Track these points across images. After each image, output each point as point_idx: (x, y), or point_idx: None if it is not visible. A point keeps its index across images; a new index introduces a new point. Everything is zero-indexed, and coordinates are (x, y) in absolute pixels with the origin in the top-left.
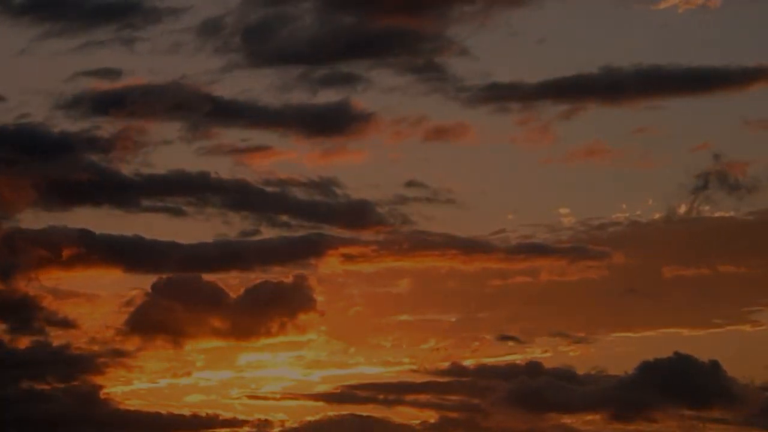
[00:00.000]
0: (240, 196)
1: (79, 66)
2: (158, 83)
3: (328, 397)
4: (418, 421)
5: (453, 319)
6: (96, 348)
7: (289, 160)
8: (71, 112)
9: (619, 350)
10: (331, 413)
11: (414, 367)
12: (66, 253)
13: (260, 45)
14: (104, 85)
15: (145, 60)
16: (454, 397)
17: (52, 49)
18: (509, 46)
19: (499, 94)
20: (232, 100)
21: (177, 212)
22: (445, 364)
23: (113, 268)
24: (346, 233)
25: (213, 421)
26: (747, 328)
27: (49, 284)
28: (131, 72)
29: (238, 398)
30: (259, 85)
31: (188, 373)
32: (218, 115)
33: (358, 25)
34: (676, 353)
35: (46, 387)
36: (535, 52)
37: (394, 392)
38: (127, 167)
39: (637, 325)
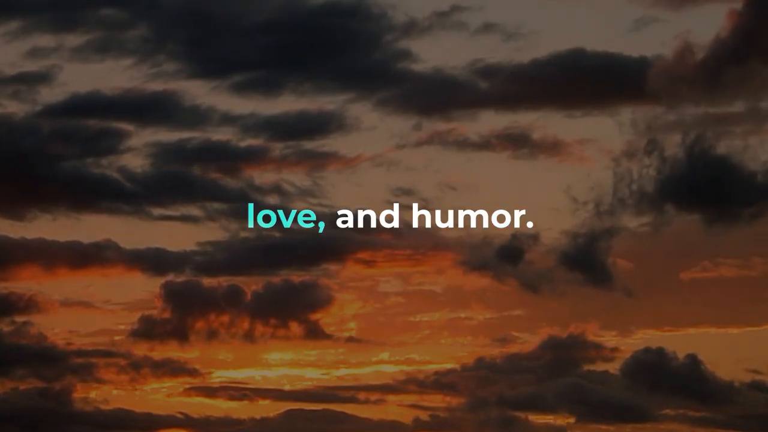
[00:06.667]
0: (239, 202)
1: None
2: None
3: (328, 397)
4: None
5: (481, 318)
6: (98, 349)
7: (272, 166)
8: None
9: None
10: (320, 409)
11: (433, 367)
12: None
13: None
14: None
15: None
16: (454, 396)
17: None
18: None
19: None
20: (194, 106)
21: (187, 218)
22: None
23: (120, 271)
24: (357, 237)
25: (207, 420)
26: None
27: (57, 286)
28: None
29: (238, 399)
30: (214, 92)
31: (196, 374)
32: (186, 121)
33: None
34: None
35: (49, 386)
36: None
37: (392, 391)
38: (113, 173)
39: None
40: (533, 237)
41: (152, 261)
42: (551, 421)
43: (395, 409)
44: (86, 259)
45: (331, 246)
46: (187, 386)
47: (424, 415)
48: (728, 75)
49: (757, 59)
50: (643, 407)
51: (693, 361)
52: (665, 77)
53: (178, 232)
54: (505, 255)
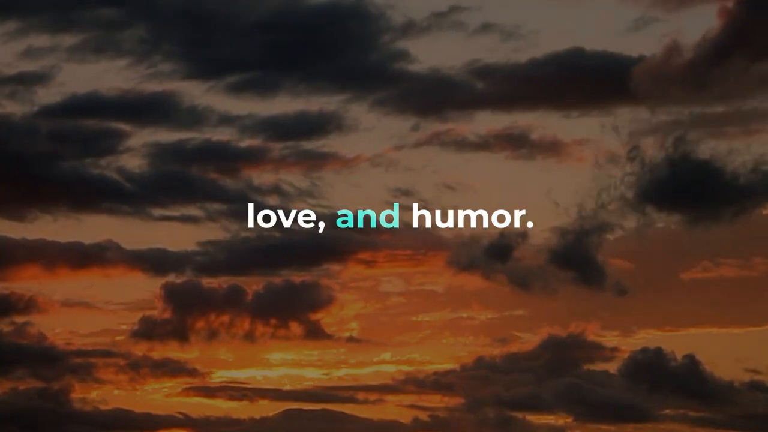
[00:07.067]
0: (238, 202)
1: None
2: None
3: (327, 397)
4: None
5: (483, 318)
6: (98, 349)
7: (271, 166)
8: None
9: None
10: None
11: (433, 367)
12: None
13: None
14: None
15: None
16: (453, 396)
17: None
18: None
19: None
20: (192, 106)
21: (187, 218)
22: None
23: (121, 272)
24: (357, 237)
25: (207, 420)
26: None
27: (58, 287)
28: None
29: (237, 399)
30: (210, 92)
31: (196, 374)
32: (184, 121)
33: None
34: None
35: (48, 386)
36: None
37: (391, 391)
38: (112, 174)
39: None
40: (521, 235)
41: (153, 261)
42: (552, 421)
43: (394, 409)
44: (87, 259)
45: (332, 246)
46: (187, 386)
47: (423, 415)
48: (714, 74)
49: (745, 58)
50: (642, 407)
51: (692, 361)
52: (649, 77)
53: (179, 233)
54: (494, 253)
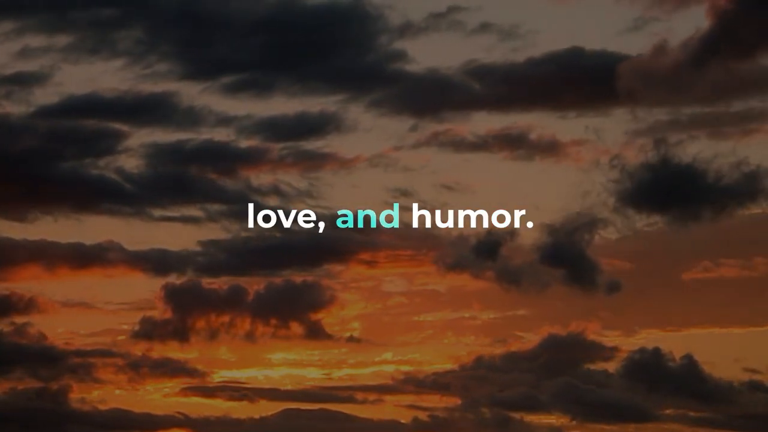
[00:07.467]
0: (238, 203)
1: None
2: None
3: (326, 397)
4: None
5: (484, 317)
6: (97, 348)
7: (269, 167)
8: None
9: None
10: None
11: (434, 367)
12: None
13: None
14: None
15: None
16: (452, 396)
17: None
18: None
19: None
20: (190, 107)
21: (188, 218)
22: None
23: (122, 272)
24: (357, 237)
25: (206, 420)
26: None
27: (58, 287)
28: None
29: (237, 399)
30: (206, 92)
31: (196, 375)
32: (182, 122)
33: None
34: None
35: (47, 386)
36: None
37: (390, 391)
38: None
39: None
40: (510, 233)
41: (154, 262)
42: (552, 421)
43: (393, 409)
44: (88, 259)
45: (332, 246)
46: (186, 386)
47: (422, 415)
48: (700, 74)
49: (731, 57)
50: (641, 407)
51: (690, 361)
52: (633, 76)
53: (179, 233)
54: (482, 251)
